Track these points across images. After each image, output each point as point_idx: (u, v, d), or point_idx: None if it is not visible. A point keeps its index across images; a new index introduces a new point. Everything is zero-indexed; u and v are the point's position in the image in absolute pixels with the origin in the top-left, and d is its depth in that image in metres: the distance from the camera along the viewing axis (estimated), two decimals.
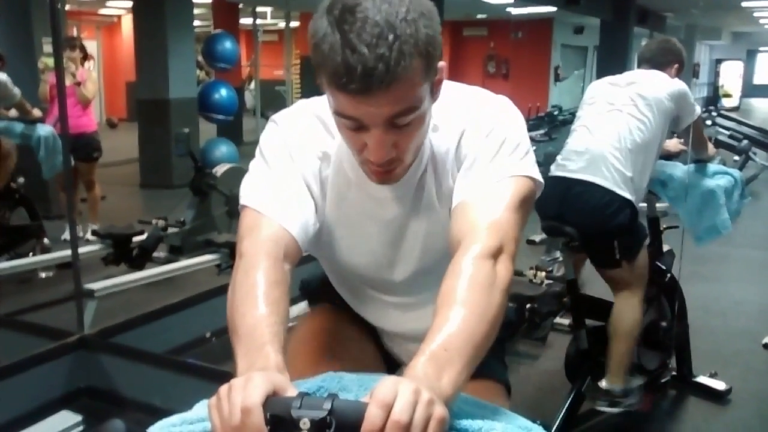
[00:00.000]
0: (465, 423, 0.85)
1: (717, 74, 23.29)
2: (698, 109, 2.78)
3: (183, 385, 2.40)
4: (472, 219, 0.99)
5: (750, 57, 26.48)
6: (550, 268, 3.62)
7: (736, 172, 3.15)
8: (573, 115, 2.86)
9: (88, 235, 4.96)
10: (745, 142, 3.74)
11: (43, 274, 4.52)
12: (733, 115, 6.75)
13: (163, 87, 8.01)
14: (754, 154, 3.80)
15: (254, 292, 0.93)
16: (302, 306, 1.49)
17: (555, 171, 2.67)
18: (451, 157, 1.08)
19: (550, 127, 8.41)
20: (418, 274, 1.18)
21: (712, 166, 3.09)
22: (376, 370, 1.27)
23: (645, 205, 3.03)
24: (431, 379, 0.80)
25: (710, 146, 3.05)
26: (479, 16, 16.79)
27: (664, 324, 2.96)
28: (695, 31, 18.43)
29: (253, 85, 14.95)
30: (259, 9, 14.02)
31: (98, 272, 4.08)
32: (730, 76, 23.29)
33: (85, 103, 5.29)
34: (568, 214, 2.59)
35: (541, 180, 1.07)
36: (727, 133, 4.44)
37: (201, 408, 0.89)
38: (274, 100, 15.17)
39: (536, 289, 3.36)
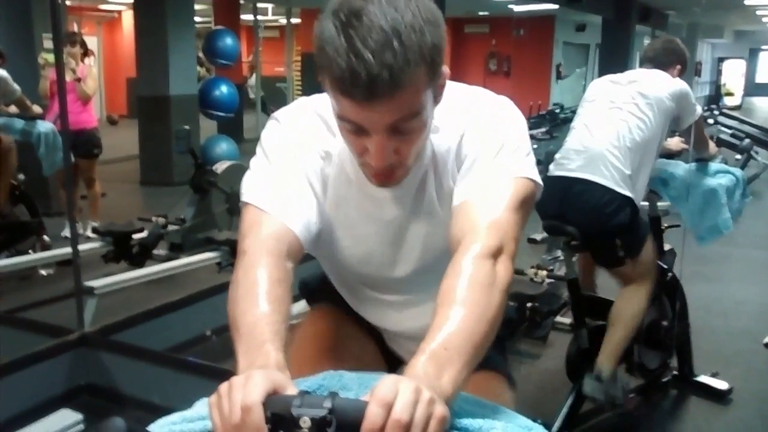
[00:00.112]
0: (465, 422, 0.85)
1: (719, 73, 23.25)
2: (699, 109, 2.78)
3: (183, 383, 2.40)
4: (472, 219, 0.99)
5: (752, 55, 26.44)
6: (551, 267, 3.61)
7: (737, 171, 3.14)
8: (574, 113, 2.85)
9: (88, 233, 4.97)
10: (747, 140, 3.72)
11: (43, 272, 4.52)
12: (735, 113, 6.74)
13: (163, 83, 7.99)
14: (756, 153, 3.78)
15: (255, 290, 0.93)
16: (303, 304, 1.49)
17: (554, 170, 2.67)
18: (452, 158, 1.08)
19: (551, 126, 8.39)
20: (418, 273, 1.18)
21: (714, 165, 3.08)
22: (378, 369, 1.27)
23: (646, 204, 3.02)
24: (431, 378, 0.80)
25: (712, 145, 3.04)
26: (481, 13, 16.77)
27: (665, 323, 2.96)
28: (697, 29, 18.39)
29: (254, 79, 14.96)
30: (260, 5, 14.01)
31: (98, 269, 4.08)
32: (733, 75, 23.25)
33: (86, 99, 5.28)
34: (568, 213, 2.58)
35: (541, 182, 1.07)
36: (729, 131, 4.43)
37: (201, 406, 0.89)
38: (275, 96, 15.18)
39: (537, 288, 3.35)
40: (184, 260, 4.08)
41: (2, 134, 4.57)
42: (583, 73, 18.95)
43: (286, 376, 0.82)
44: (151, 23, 8.01)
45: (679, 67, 2.74)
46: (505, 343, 1.39)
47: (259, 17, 14.35)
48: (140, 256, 4.25)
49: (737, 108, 18.52)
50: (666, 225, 3.16)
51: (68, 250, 3.13)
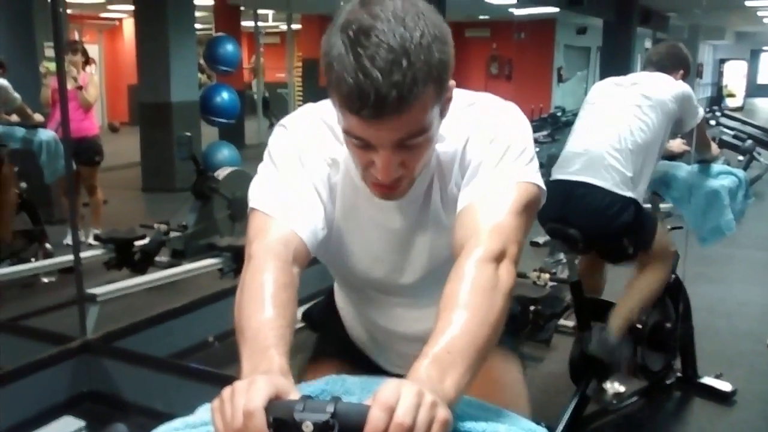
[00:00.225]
0: (468, 425, 0.85)
1: (721, 74, 23.24)
2: (701, 112, 2.78)
3: (186, 390, 2.40)
4: (475, 223, 0.99)
5: (754, 57, 26.42)
6: (554, 270, 3.61)
7: (740, 172, 3.14)
8: (576, 116, 2.86)
9: (90, 240, 4.97)
10: (750, 142, 3.72)
11: (45, 279, 4.53)
12: (737, 114, 6.72)
13: (164, 90, 8.01)
14: (759, 154, 3.77)
15: (261, 295, 0.93)
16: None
17: (556, 173, 2.67)
18: (456, 165, 1.08)
19: (553, 129, 8.39)
20: (425, 279, 1.19)
21: (716, 167, 3.07)
22: None
23: (649, 206, 3.02)
24: (434, 381, 0.80)
25: (714, 147, 3.04)
26: (482, 17, 16.80)
27: (668, 325, 2.95)
28: (699, 30, 18.40)
29: (257, 80, 15.00)
30: (260, 12, 14.06)
31: (100, 277, 4.08)
32: (734, 76, 23.23)
33: (87, 107, 5.29)
34: (571, 216, 2.58)
35: (545, 188, 1.07)
36: (731, 133, 4.42)
37: (204, 412, 0.89)
38: (276, 102, 15.22)
39: (540, 291, 3.35)
40: (186, 267, 4.08)
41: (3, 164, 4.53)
42: (584, 76, 18.95)
43: (290, 381, 0.82)
44: (152, 30, 8.03)
45: (682, 71, 2.75)
46: (517, 323, 1.40)
47: (260, 24, 14.40)
48: (142, 263, 4.25)
49: (739, 109, 18.48)
50: (669, 227, 3.15)
51: (70, 257, 3.13)
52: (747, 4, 13.28)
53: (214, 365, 2.85)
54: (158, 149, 8.06)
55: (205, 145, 7.59)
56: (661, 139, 2.63)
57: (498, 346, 0.99)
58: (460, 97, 1.08)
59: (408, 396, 0.73)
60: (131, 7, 9.86)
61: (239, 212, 4.67)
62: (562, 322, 3.42)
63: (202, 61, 8.38)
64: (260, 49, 15.16)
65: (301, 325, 1.32)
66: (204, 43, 7.72)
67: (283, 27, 16.42)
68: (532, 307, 3.25)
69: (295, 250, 1.01)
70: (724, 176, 3.05)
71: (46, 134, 4.82)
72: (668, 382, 3.07)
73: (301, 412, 0.74)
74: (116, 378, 2.59)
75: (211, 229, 4.62)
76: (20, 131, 4.75)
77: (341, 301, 1.43)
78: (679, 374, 3.10)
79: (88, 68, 5.39)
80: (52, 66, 5.07)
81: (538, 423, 0.92)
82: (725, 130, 4.59)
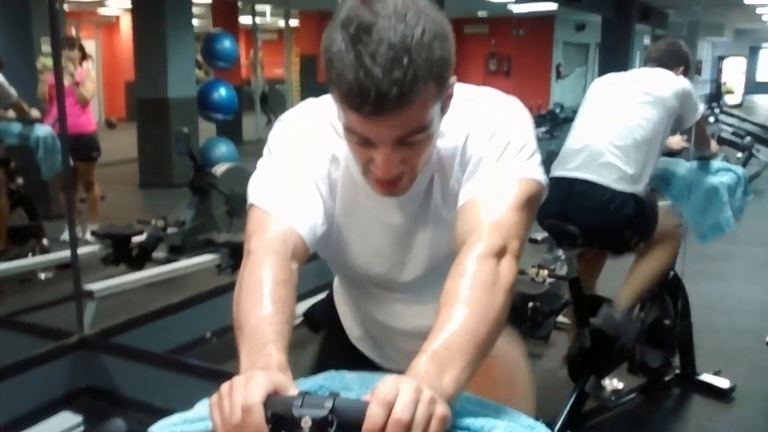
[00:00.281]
0: (467, 421, 0.85)
1: (719, 71, 23.26)
2: (702, 108, 2.78)
3: (183, 385, 2.40)
4: (476, 219, 0.99)
5: (752, 54, 26.46)
6: (553, 267, 3.60)
7: (739, 169, 3.13)
8: (575, 112, 2.85)
9: (88, 236, 4.96)
10: (748, 138, 3.71)
11: (42, 275, 4.51)
12: (735, 112, 6.73)
13: (162, 86, 8.00)
14: (758, 151, 3.77)
15: (260, 291, 0.93)
16: (306, 305, 1.51)
17: (556, 169, 2.66)
18: (457, 160, 1.08)
19: (551, 125, 8.41)
20: (426, 275, 1.18)
21: (715, 163, 3.07)
22: None
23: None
24: (433, 377, 0.80)
25: (713, 143, 3.03)
26: (480, 14, 16.79)
27: (667, 322, 2.95)
28: (698, 27, 18.41)
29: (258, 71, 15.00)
30: (258, 7, 14.03)
31: (98, 272, 4.07)
32: (733, 73, 23.25)
33: (84, 102, 5.27)
34: (571, 213, 2.57)
35: (547, 182, 1.07)
36: (730, 130, 4.41)
37: (202, 407, 0.89)
38: (274, 99, 15.21)
39: (538, 288, 3.34)
40: (184, 263, 4.08)
41: None
42: (583, 73, 18.97)
43: (288, 377, 0.82)
44: (150, 26, 8.02)
45: (682, 68, 2.75)
46: (516, 318, 1.41)
47: (258, 20, 14.37)
48: (140, 258, 4.24)
49: (738, 106, 18.50)
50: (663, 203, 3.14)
51: (67, 253, 3.13)
52: (746, 1, 13.27)
53: (212, 361, 2.84)
54: (156, 145, 8.05)
55: (202, 141, 7.61)
56: (662, 136, 2.63)
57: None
58: (461, 92, 1.08)
59: (406, 392, 0.73)
60: (129, 3, 9.84)
61: (237, 208, 4.66)
62: (560, 318, 3.42)
63: (199, 57, 8.37)
64: (258, 44, 15.14)
65: (299, 320, 1.32)
66: (201, 39, 7.72)
67: (281, 23, 16.41)
68: (530, 304, 3.25)
69: (294, 246, 1.00)
70: (723, 173, 3.04)
71: (43, 130, 4.80)
72: (667, 379, 3.08)
73: (299, 408, 0.74)
74: (114, 374, 2.59)
75: (208, 225, 4.62)
76: (17, 127, 4.73)
77: (340, 297, 1.43)
78: (677, 371, 3.10)
79: (85, 64, 5.36)
80: (49, 62, 5.05)
81: (536, 419, 0.91)
82: (724, 127, 4.59)
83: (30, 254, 4.63)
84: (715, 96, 18.20)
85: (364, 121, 0.92)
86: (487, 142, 1.05)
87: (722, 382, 3.08)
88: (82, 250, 3.69)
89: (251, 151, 7.71)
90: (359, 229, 1.16)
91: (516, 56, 17.65)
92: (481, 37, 17.83)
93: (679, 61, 2.75)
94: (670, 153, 2.98)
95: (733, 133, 4.30)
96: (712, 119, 4.54)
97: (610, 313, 2.66)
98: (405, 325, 1.28)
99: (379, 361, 1.39)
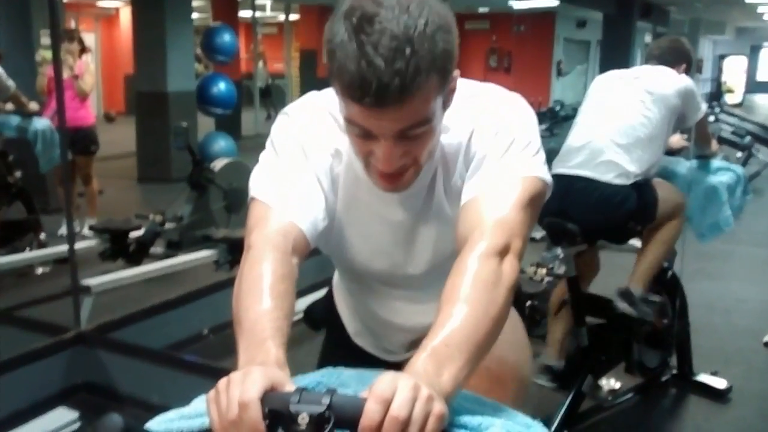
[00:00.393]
0: (465, 419, 0.85)
1: (720, 70, 23.24)
2: (704, 107, 2.77)
3: (181, 382, 2.40)
4: (480, 216, 0.98)
5: (753, 52, 26.42)
6: (551, 266, 3.60)
7: (738, 169, 3.13)
8: (575, 110, 2.84)
9: (85, 230, 4.95)
10: (748, 138, 3.71)
11: (40, 270, 4.51)
12: (736, 111, 6.72)
13: (161, 80, 7.98)
14: (757, 150, 3.76)
15: (260, 285, 0.92)
16: (305, 301, 1.51)
17: (556, 167, 2.65)
18: (461, 157, 1.07)
19: (551, 123, 8.41)
20: (429, 272, 1.18)
21: (715, 162, 3.07)
22: None
23: None
24: (431, 375, 0.79)
25: (713, 143, 3.02)
26: (481, 10, 16.77)
27: (665, 322, 2.94)
28: (699, 25, 18.40)
29: (261, 64, 14.99)
30: (258, 1, 13.99)
31: (95, 267, 4.07)
32: (734, 72, 23.25)
33: (83, 96, 5.26)
34: (571, 210, 2.56)
35: (551, 180, 1.06)
36: (730, 129, 4.41)
37: (199, 403, 0.88)
38: (275, 93, 15.20)
39: (537, 287, 3.34)
40: (182, 258, 4.07)
41: None
42: (584, 70, 18.95)
43: (285, 373, 0.82)
44: (149, 19, 7.99)
45: (684, 65, 2.74)
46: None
47: (258, 13, 14.34)
48: (137, 253, 4.23)
49: (738, 105, 18.50)
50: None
51: (65, 247, 3.11)
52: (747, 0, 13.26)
53: (209, 357, 2.84)
54: (154, 139, 8.04)
55: (201, 135, 7.59)
56: (664, 134, 2.62)
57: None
58: (465, 88, 1.07)
59: (404, 389, 0.73)
60: None
61: (235, 204, 4.65)
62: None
63: (199, 51, 8.35)
64: (258, 38, 15.11)
65: (299, 317, 1.31)
66: (201, 33, 7.70)
67: (281, 17, 16.37)
68: (528, 303, 3.25)
69: (294, 241, 1.00)
70: (722, 172, 3.04)
71: (42, 123, 4.79)
72: (664, 379, 3.07)
73: (296, 404, 0.74)
74: (111, 369, 2.58)
75: (206, 221, 4.61)
76: (15, 120, 4.72)
77: (340, 293, 1.43)
78: (675, 371, 3.10)
79: (84, 57, 5.35)
80: (49, 54, 5.03)
81: (533, 418, 0.91)
82: (724, 126, 4.58)
83: (27, 248, 4.63)
84: (716, 95, 18.21)
85: (366, 113, 0.91)
86: (491, 139, 1.04)
87: (719, 383, 3.08)
88: (79, 245, 3.69)
89: (250, 146, 7.69)
90: (360, 225, 1.15)
91: (517, 53, 17.63)
92: (482, 33, 17.81)
93: (681, 58, 2.74)
94: (670, 152, 2.98)
95: (733, 133, 4.30)
96: (712, 118, 4.53)
97: (628, 293, 2.68)
98: (406, 322, 1.28)
99: (379, 354, 1.38)
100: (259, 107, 13.78)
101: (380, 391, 0.72)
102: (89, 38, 11.15)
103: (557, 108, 10.50)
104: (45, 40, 5.63)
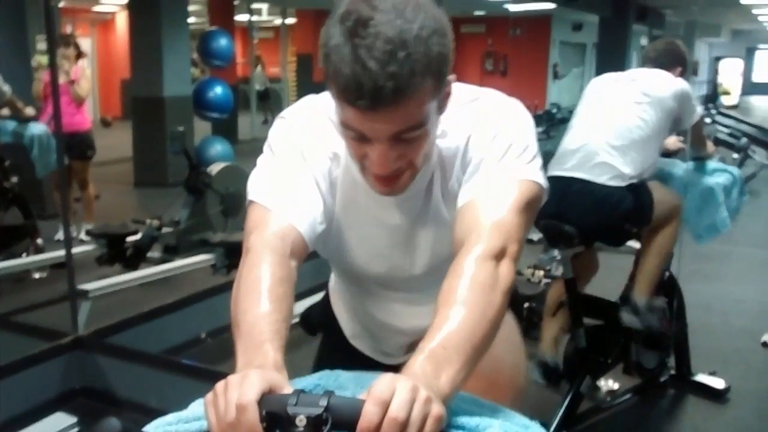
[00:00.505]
0: (462, 420, 0.85)
1: (716, 72, 23.31)
2: (699, 110, 2.78)
3: (178, 386, 2.40)
4: (476, 219, 0.99)
5: (749, 55, 26.49)
6: (549, 267, 3.60)
7: (735, 170, 3.14)
8: (572, 113, 2.85)
9: (82, 235, 4.94)
10: (745, 139, 3.73)
11: (36, 275, 4.50)
12: (732, 112, 6.74)
13: (157, 85, 7.98)
14: (753, 152, 3.78)
15: (258, 288, 0.93)
16: (304, 303, 1.51)
17: (552, 169, 2.65)
18: (458, 161, 1.08)
19: (548, 126, 8.40)
20: (427, 274, 1.18)
21: (712, 164, 3.07)
22: None
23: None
24: (429, 377, 0.79)
25: (709, 144, 3.03)
26: (477, 13, 16.80)
27: (669, 324, 2.94)
28: (695, 28, 18.41)
29: (259, 68, 15.03)
30: (254, 6, 14.01)
31: (92, 272, 4.06)
32: (730, 74, 23.31)
33: (79, 101, 5.25)
34: (568, 212, 2.57)
35: (547, 185, 1.06)
36: (727, 131, 4.43)
37: (197, 406, 0.89)
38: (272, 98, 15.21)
39: (534, 288, 3.34)
40: (179, 262, 4.07)
41: None
42: (580, 73, 18.99)
43: (283, 376, 0.82)
44: (146, 24, 7.99)
45: (680, 68, 2.75)
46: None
47: (254, 18, 14.35)
48: (134, 258, 4.23)
49: (734, 107, 18.56)
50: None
51: (62, 252, 3.12)
52: (743, 2, 13.28)
53: (207, 361, 2.84)
54: (151, 144, 8.03)
55: (198, 140, 7.57)
56: (660, 137, 2.63)
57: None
58: (463, 92, 1.07)
59: (402, 391, 0.73)
60: (124, 1, 9.82)
61: (232, 208, 4.65)
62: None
63: (195, 56, 8.35)
64: (255, 43, 15.12)
65: (297, 320, 1.31)
66: (197, 37, 7.69)
67: (278, 21, 16.39)
68: (526, 305, 3.25)
69: (292, 244, 1.00)
70: (719, 174, 3.04)
71: (38, 128, 4.79)
72: (662, 379, 3.07)
73: (294, 406, 0.74)
74: (108, 374, 2.59)
75: (203, 225, 4.60)
76: (11, 125, 4.72)
77: (337, 296, 1.43)
78: (673, 372, 3.10)
79: (80, 62, 5.35)
80: (45, 60, 5.03)
81: (531, 419, 0.91)
82: (720, 128, 4.60)
83: (24, 254, 4.61)
84: (712, 97, 18.23)
85: (360, 115, 0.92)
86: (488, 143, 1.04)
87: (718, 383, 3.08)
88: (76, 250, 3.69)
89: (247, 150, 7.69)
90: (358, 228, 1.15)
91: (513, 56, 17.65)
92: (478, 36, 17.83)
93: (676, 61, 2.75)
94: (667, 154, 2.98)
95: (729, 134, 4.32)
96: (708, 120, 4.55)
97: (634, 304, 2.70)
98: (404, 325, 1.28)
99: (376, 357, 1.38)
100: (256, 111, 13.79)
101: (378, 393, 0.72)
102: (85, 43, 11.15)
103: (554, 111, 10.50)
104: (41, 45, 5.64)
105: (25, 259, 4.47)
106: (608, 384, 3.00)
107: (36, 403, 2.43)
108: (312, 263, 1.24)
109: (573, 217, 2.56)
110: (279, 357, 0.85)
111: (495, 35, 17.71)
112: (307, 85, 14.67)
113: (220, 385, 0.77)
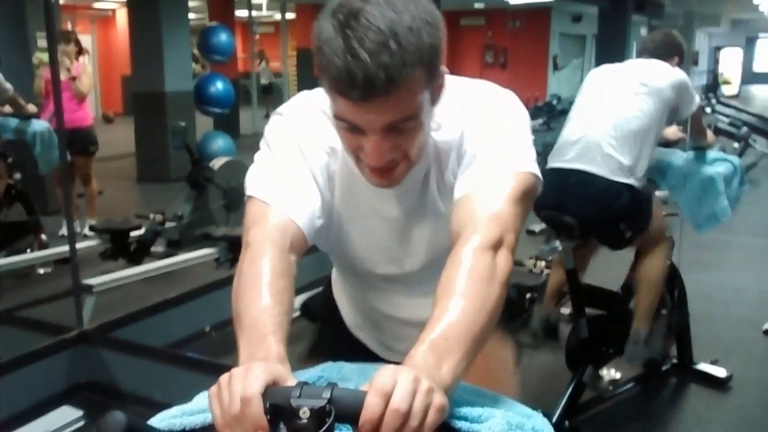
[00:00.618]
0: (464, 410, 0.85)
1: (716, 61, 23.24)
2: (698, 99, 2.78)
3: (183, 379, 2.41)
4: (473, 211, 0.99)
5: (749, 44, 26.41)
6: (550, 258, 3.62)
7: (735, 159, 3.14)
8: (572, 104, 2.86)
9: (86, 230, 4.96)
10: (745, 129, 3.73)
11: (41, 270, 4.52)
12: (732, 102, 6.74)
13: (158, 80, 7.97)
14: (754, 141, 3.79)
15: (259, 282, 0.93)
16: (303, 297, 1.51)
17: (552, 161, 2.66)
18: (454, 153, 1.08)
19: (548, 117, 8.40)
20: (427, 267, 1.19)
21: (712, 153, 3.08)
22: None
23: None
24: (431, 367, 0.80)
25: (709, 134, 3.03)
26: (476, 6, 16.73)
27: (664, 312, 2.96)
28: (694, 18, 18.38)
29: (263, 65, 15.02)
30: (254, 0, 13.98)
31: (96, 267, 4.08)
32: (730, 63, 23.25)
33: (81, 97, 5.26)
34: (567, 204, 2.58)
35: (541, 177, 1.07)
36: (727, 120, 4.43)
37: (201, 399, 0.89)
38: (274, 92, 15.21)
39: (536, 279, 3.36)
40: (182, 257, 4.08)
41: None
42: (579, 64, 18.94)
43: (287, 368, 0.82)
44: (146, 20, 7.98)
45: (677, 58, 2.75)
46: (513, 310, 1.42)
47: (254, 13, 14.32)
48: (138, 253, 4.25)
49: (735, 97, 18.52)
50: (664, 213, 3.16)
51: (66, 248, 3.13)
52: None
53: (211, 355, 2.86)
54: (153, 139, 8.04)
55: (199, 134, 7.59)
56: (658, 127, 2.63)
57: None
58: (458, 85, 1.08)
59: (404, 382, 0.73)
60: None
61: (234, 202, 4.66)
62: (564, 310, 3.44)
63: (196, 51, 8.35)
64: (255, 38, 15.10)
65: (298, 313, 1.33)
66: (198, 33, 7.70)
67: (278, 16, 16.35)
68: (528, 295, 3.26)
69: (292, 238, 1.00)
70: (719, 163, 3.05)
71: (40, 125, 4.79)
72: (664, 368, 3.09)
73: (297, 398, 0.74)
74: (113, 368, 2.60)
75: (206, 219, 4.62)
76: (13, 122, 4.72)
77: (339, 287, 1.43)
78: (675, 361, 3.12)
79: (81, 58, 5.35)
80: (45, 57, 5.03)
81: (534, 409, 0.91)
82: (721, 117, 4.61)
83: (28, 249, 4.63)
84: (712, 87, 18.19)
85: (353, 107, 0.92)
86: (483, 135, 1.05)
87: (719, 372, 3.10)
88: (80, 245, 3.70)
89: (248, 144, 7.68)
90: (357, 221, 1.16)
91: (512, 48, 17.60)
92: (478, 29, 17.77)
93: (673, 51, 2.75)
94: (667, 143, 2.99)
95: (729, 124, 4.32)
96: (708, 110, 4.55)
97: (637, 337, 2.73)
98: (406, 316, 1.29)
99: (378, 351, 1.39)
100: (258, 106, 13.78)
101: (381, 384, 0.73)
102: (86, 40, 11.16)
103: (554, 102, 10.49)
104: (41, 42, 5.64)
105: (29, 255, 4.47)
106: (611, 373, 3.02)
107: (42, 397, 2.44)
108: (313, 257, 1.25)
109: (572, 208, 2.57)
110: (282, 349, 0.85)
111: (495, 28, 17.66)
112: (307, 80, 14.66)
113: (224, 378, 0.78)
